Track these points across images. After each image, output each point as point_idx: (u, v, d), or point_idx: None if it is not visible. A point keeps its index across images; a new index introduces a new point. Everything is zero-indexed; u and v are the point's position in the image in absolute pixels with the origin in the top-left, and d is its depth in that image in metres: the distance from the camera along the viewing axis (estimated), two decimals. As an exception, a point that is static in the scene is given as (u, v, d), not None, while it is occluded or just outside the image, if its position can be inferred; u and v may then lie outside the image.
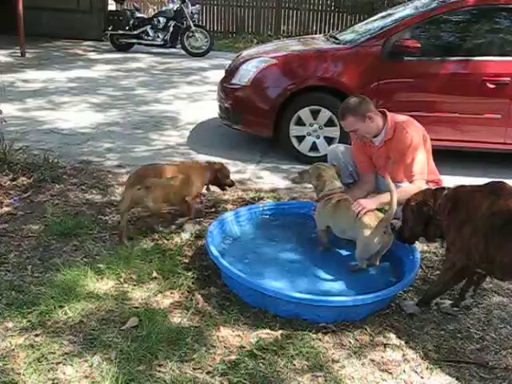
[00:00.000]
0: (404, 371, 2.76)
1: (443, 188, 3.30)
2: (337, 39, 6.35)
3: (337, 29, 14.80)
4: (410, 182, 3.78)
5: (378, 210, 3.65)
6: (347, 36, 6.34)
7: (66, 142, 6.09)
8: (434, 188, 3.40)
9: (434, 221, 3.19)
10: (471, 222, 2.96)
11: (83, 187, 4.74)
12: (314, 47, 6.46)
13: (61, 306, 3.05)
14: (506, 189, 3.00)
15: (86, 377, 2.59)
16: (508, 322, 3.22)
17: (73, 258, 3.59)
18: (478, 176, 5.43)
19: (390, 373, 2.75)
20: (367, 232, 3.43)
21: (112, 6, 14.92)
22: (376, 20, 6.55)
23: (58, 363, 2.66)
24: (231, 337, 2.92)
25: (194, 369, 2.68)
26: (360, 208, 3.50)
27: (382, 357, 2.86)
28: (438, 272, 3.64)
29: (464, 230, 3.00)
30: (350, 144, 4.36)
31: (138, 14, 13.35)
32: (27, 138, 6.13)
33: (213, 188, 4.91)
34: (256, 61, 5.95)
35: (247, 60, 6.08)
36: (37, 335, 2.84)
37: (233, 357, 2.77)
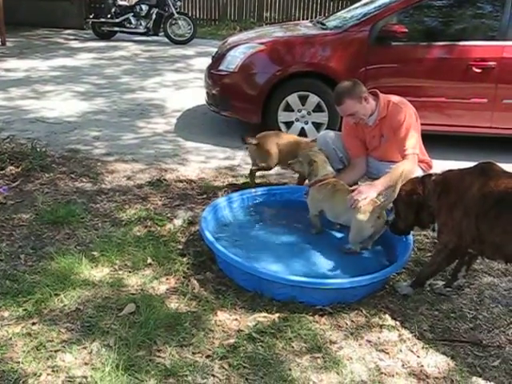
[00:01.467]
0: (400, 351, 2.80)
1: (430, 175, 3.33)
2: (324, 25, 6.35)
3: (319, 15, 14.78)
4: (403, 158, 3.79)
5: None
6: (334, 22, 6.35)
7: (53, 130, 6.03)
8: (421, 176, 3.41)
9: (425, 208, 3.22)
10: (462, 204, 3.00)
11: (73, 176, 4.71)
12: (301, 33, 6.45)
13: (56, 294, 3.04)
14: (495, 169, 3.04)
15: (86, 363, 2.59)
16: (499, 301, 3.27)
17: (66, 246, 3.57)
18: (465, 160, 5.50)
19: (387, 353, 2.78)
20: (361, 216, 3.46)
21: (93, -6, 14.75)
22: (362, 6, 6.54)
23: (56, 351, 2.65)
24: (229, 321, 2.94)
25: (193, 353, 2.69)
26: (362, 196, 3.52)
27: (379, 337, 2.89)
28: (429, 254, 3.69)
29: (455, 212, 3.03)
30: (340, 130, 4.38)
31: (120, 2, 13.19)
32: (13, 127, 6.06)
33: (203, 174, 4.94)
34: (243, 47, 5.94)
35: (234, 46, 6.06)
36: (34, 323, 2.83)
37: (231, 340, 2.79)
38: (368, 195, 3.54)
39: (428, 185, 3.20)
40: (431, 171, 4.07)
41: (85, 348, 2.68)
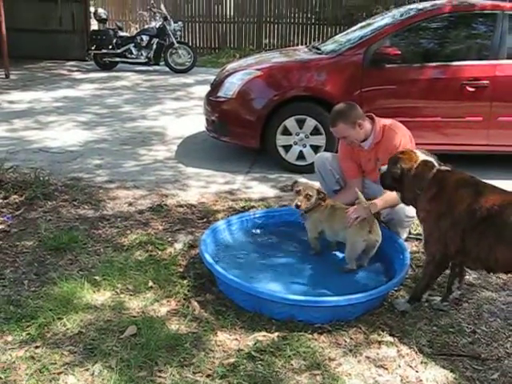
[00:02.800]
0: (399, 366, 2.83)
1: (433, 165, 3.22)
2: (319, 50, 6.48)
3: (318, 41, 14.99)
4: None
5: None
6: (329, 46, 6.47)
7: (56, 160, 6.12)
8: (428, 159, 3.26)
9: (410, 188, 3.22)
10: (450, 216, 3.05)
11: (75, 203, 4.78)
12: (297, 58, 6.58)
13: (59, 318, 3.09)
14: (488, 187, 3.10)
15: (88, 385, 2.63)
16: (498, 315, 3.30)
17: (68, 272, 3.63)
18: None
19: (386, 368, 2.81)
20: (353, 232, 3.55)
21: (94, 26, 15.03)
22: (356, 30, 6.69)
23: (59, 373, 2.69)
24: (229, 341, 2.98)
25: (193, 373, 2.72)
26: (354, 216, 3.59)
27: (378, 353, 2.92)
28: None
29: (442, 222, 3.09)
30: (336, 152, 4.45)
31: (121, 33, 13.43)
32: (16, 157, 6.16)
33: (203, 199, 5.01)
34: (241, 73, 6.06)
35: (232, 73, 6.18)
36: (37, 347, 2.87)
37: (231, 360, 2.82)
38: (362, 214, 3.60)
39: (425, 175, 3.17)
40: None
41: (87, 370, 2.71)
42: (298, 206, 3.82)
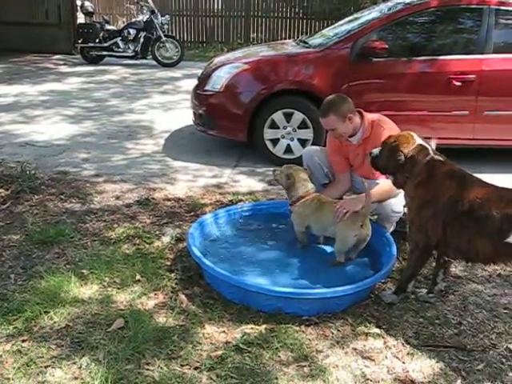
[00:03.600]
0: (386, 357, 2.85)
1: (428, 152, 3.19)
2: (306, 43, 6.48)
3: (305, 35, 14.99)
4: (387, 177, 3.87)
5: None
6: (316, 40, 6.47)
7: (42, 153, 6.09)
8: (422, 144, 3.24)
9: (402, 172, 3.23)
10: (434, 205, 3.08)
11: (62, 197, 4.76)
12: (284, 51, 6.57)
13: (46, 312, 3.08)
14: (474, 181, 3.12)
15: (76, 378, 2.62)
16: (483, 307, 3.34)
17: (55, 265, 3.61)
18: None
19: (373, 360, 2.83)
20: (344, 226, 3.54)
21: (81, 19, 14.91)
22: (344, 24, 6.69)
23: (46, 366, 2.68)
24: (216, 333, 2.98)
25: (181, 365, 2.73)
26: (344, 210, 3.60)
27: (364, 345, 2.94)
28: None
29: (425, 211, 3.12)
30: (325, 145, 4.46)
31: (108, 27, 13.35)
32: (2, 151, 6.12)
33: (190, 192, 5.00)
34: (228, 67, 6.05)
35: (219, 66, 6.16)
36: (24, 341, 2.86)
37: (219, 352, 2.83)
38: (352, 208, 3.62)
39: (418, 161, 3.16)
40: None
41: (74, 363, 2.71)
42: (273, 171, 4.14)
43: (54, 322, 3.01)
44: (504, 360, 2.87)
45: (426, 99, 5.78)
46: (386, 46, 5.59)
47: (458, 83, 5.60)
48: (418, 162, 3.17)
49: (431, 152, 3.21)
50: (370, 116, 4.04)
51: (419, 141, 3.24)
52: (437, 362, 2.83)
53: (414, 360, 2.84)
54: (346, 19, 7.01)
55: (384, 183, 3.80)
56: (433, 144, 3.29)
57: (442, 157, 3.23)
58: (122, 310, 3.15)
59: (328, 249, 3.87)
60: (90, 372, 2.64)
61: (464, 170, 3.20)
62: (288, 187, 3.97)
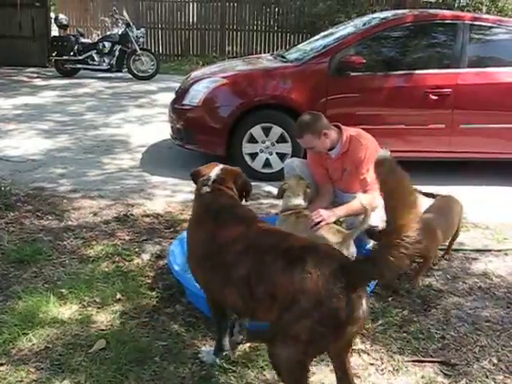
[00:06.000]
0: (371, 374, 2.84)
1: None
2: (284, 58, 6.51)
3: (280, 48, 15.09)
4: (365, 192, 3.89)
5: (334, 222, 3.78)
6: (294, 54, 6.51)
7: (17, 169, 5.98)
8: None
9: None
10: None
11: (38, 213, 4.67)
12: (262, 66, 6.59)
13: (25, 334, 3.00)
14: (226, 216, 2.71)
15: (56, 402, 2.56)
16: (465, 320, 3.36)
17: (33, 285, 3.53)
18: (426, 184, 5.66)
19: (358, 376, 2.81)
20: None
21: (55, 32, 14.78)
22: (319, 39, 6.75)
23: (25, 391, 2.62)
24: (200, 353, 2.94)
25: (165, 387, 2.69)
26: (320, 219, 3.60)
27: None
28: (396, 278, 3.78)
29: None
30: (304, 157, 4.46)
31: (83, 39, 13.25)
32: (-24, 167, 6.00)
33: (169, 208, 4.95)
34: (206, 81, 6.03)
35: (197, 81, 6.15)
36: (1, 364, 2.79)
37: (203, 372, 2.79)
38: (326, 218, 3.63)
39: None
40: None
41: (55, 387, 2.65)
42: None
43: (33, 344, 2.94)
44: (488, 374, 2.88)
45: (403, 113, 5.84)
46: (364, 61, 5.64)
47: (434, 97, 5.67)
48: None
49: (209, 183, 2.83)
50: (348, 131, 4.06)
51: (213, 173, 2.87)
52: (422, 377, 2.84)
53: (399, 376, 2.84)
54: (322, 34, 7.07)
55: (362, 197, 3.81)
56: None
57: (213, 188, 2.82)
58: (102, 330, 3.09)
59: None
60: (71, 396, 2.58)
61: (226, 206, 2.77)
62: (278, 196, 4.01)
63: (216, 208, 2.72)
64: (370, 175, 3.89)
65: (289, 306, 2.22)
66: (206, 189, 2.80)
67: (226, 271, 2.52)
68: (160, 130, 7.60)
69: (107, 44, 12.89)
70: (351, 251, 3.57)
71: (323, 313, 2.16)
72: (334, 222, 3.77)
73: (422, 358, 2.97)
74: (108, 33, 13.76)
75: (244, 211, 2.78)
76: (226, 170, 2.94)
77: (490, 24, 5.97)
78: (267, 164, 5.90)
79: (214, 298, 2.75)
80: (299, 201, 3.91)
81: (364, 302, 2.26)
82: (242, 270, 2.44)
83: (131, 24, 12.85)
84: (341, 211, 3.83)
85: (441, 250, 4.17)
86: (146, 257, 3.99)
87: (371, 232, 3.64)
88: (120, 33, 12.87)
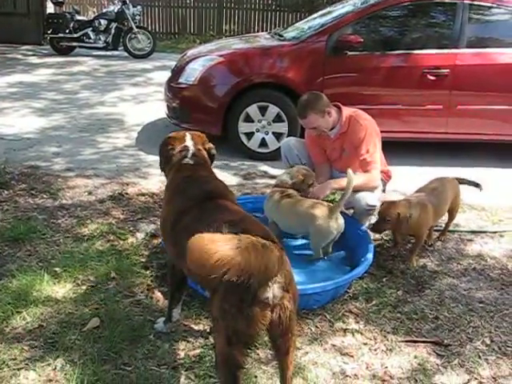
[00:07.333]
0: (364, 354, 2.85)
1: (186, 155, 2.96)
2: (281, 36, 6.44)
3: (278, 27, 14.95)
4: (365, 172, 3.87)
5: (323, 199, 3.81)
6: (291, 33, 6.44)
7: (11, 147, 5.93)
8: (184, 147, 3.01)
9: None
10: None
11: (33, 192, 4.64)
12: (259, 44, 6.53)
13: (18, 312, 3.00)
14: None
15: (50, 380, 2.56)
16: (459, 301, 3.36)
17: (27, 263, 3.52)
18: (421, 165, 5.65)
19: (351, 356, 2.83)
20: (321, 222, 3.51)
21: (51, 9, 14.61)
22: (317, 17, 6.67)
23: (19, 369, 2.61)
24: (194, 331, 2.94)
25: (158, 365, 2.68)
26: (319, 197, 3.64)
27: (343, 341, 2.94)
28: (390, 259, 3.78)
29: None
30: (301, 137, 4.43)
31: (78, 17, 13.11)
32: (-30, 145, 5.96)
33: (164, 187, 4.92)
34: (202, 59, 5.97)
35: (193, 59, 6.09)
36: (-5, 342, 2.79)
37: (197, 351, 2.79)
38: (319, 195, 3.73)
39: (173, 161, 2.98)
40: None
41: (49, 365, 2.64)
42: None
43: (27, 323, 2.93)
44: (481, 354, 2.89)
45: (400, 93, 5.80)
46: (362, 40, 5.59)
47: (432, 77, 5.63)
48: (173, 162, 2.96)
49: (189, 155, 2.95)
50: (347, 110, 4.03)
51: (188, 142, 3.02)
52: (415, 357, 2.84)
53: (392, 356, 2.85)
54: (320, 12, 6.99)
55: (361, 176, 3.80)
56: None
57: (195, 161, 2.94)
58: (96, 308, 3.08)
59: (304, 243, 3.84)
60: (65, 374, 2.58)
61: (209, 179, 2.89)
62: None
63: (196, 179, 2.82)
64: (369, 156, 3.88)
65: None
66: (189, 161, 2.93)
67: (180, 238, 2.47)
68: (155, 108, 7.55)
69: (103, 22, 12.76)
70: (340, 223, 3.58)
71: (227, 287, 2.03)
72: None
73: (416, 339, 2.98)
74: (104, 10, 13.66)
75: (215, 186, 2.86)
76: (196, 137, 3.09)
77: (489, 4, 5.89)
78: (263, 143, 5.87)
79: (174, 265, 2.79)
80: (285, 177, 3.89)
81: (276, 286, 2.08)
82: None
83: (127, 1, 12.70)
84: (335, 182, 3.88)
85: (437, 231, 4.18)
86: (140, 236, 3.98)
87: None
88: (116, 10, 12.74)
